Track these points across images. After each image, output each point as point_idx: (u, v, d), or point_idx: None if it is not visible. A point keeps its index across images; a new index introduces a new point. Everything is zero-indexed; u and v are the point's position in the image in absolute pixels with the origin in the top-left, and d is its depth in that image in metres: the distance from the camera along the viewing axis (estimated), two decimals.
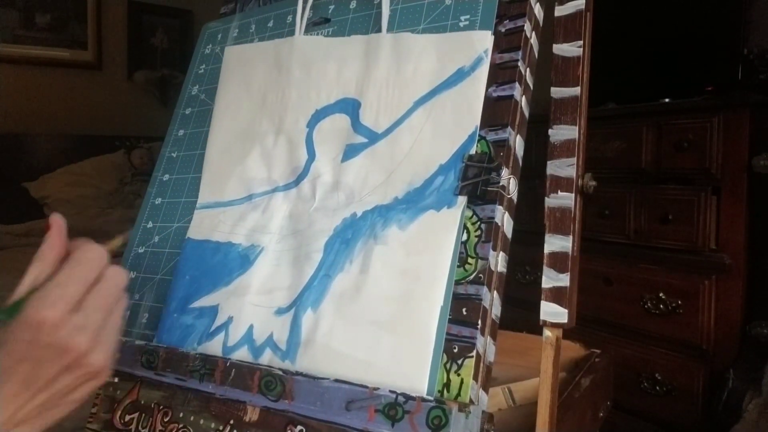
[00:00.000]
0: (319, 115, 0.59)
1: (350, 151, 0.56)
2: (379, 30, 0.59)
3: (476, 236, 0.47)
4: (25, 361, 0.37)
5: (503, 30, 0.53)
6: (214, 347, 0.55)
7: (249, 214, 0.60)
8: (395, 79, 0.56)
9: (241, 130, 0.65)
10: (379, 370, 0.46)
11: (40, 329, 0.37)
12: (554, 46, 0.54)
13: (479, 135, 0.50)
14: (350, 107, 0.57)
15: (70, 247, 0.41)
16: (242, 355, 0.53)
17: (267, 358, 0.51)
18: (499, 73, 0.51)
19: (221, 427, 0.51)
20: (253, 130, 0.64)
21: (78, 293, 0.39)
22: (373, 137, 0.55)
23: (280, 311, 0.53)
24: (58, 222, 0.42)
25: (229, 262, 0.58)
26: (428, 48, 0.55)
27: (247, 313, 0.55)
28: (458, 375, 0.43)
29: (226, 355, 0.53)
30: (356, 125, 0.57)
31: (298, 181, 0.59)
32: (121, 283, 0.41)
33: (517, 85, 0.50)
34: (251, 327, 0.54)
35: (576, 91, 0.52)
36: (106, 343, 0.40)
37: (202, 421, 0.53)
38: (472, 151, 0.50)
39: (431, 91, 0.54)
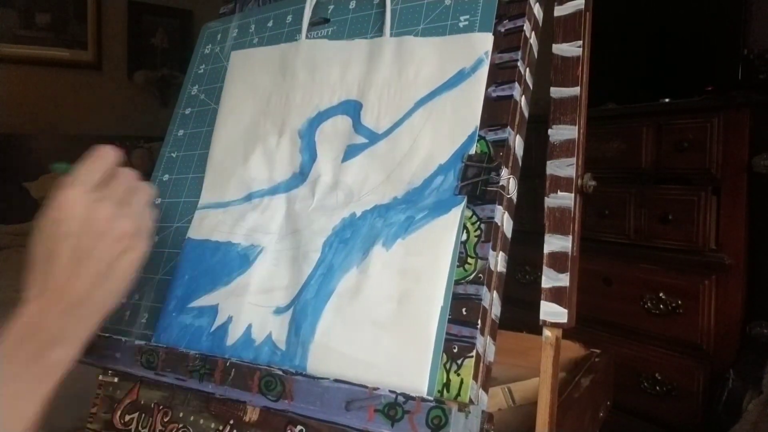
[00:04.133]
0: (321, 117, 0.60)
1: (350, 152, 0.56)
2: (380, 30, 0.59)
3: (476, 236, 0.47)
4: (66, 236, 0.45)
5: (503, 30, 0.53)
6: (213, 347, 0.55)
7: (249, 214, 0.60)
8: (397, 81, 0.56)
9: (244, 132, 0.65)
10: (379, 370, 0.46)
11: (64, 206, 0.45)
12: (554, 46, 0.54)
13: (479, 135, 0.50)
14: (352, 109, 0.58)
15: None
16: (241, 354, 0.53)
17: (266, 357, 0.51)
18: (499, 73, 0.51)
19: (221, 427, 0.51)
20: (257, 132, 0.64)
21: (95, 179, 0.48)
22: (374, 138, 0.55)
23: (278, 311, 0.53)
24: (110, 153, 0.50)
25: (229, 261, 0.58)
26: (430, 51, 0.55)
27: (246, 313, 0.55)
28: (458, 375, 0.43)
29: (225, 355, 0.53)
30: (357, 126, 0.57)
31: (298, 182, 0.59)
32: (132, 179, 0.50)
33: (516, 85, 0.50)
34: (250, 326, 0.54)
35: (576, 91, 0.52)
36: (130, 216, 0.47)
37: (202, 421, 0.53)
38: (472, 151, 0.50)
39: (432, 92, 0.54)
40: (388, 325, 0.47)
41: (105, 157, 0.49)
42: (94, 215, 0.45)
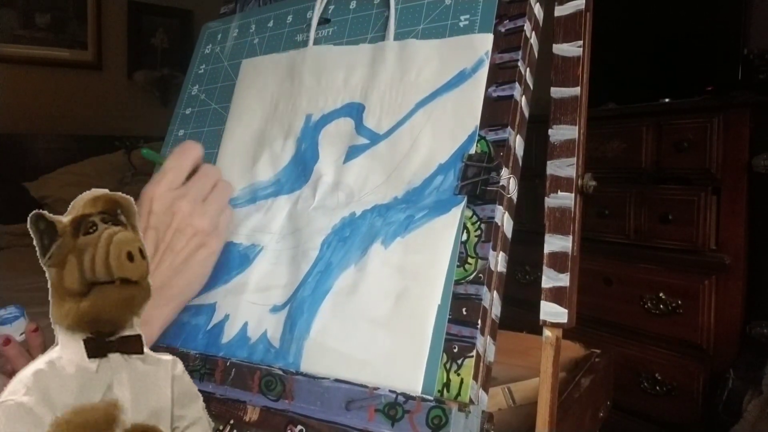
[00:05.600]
0: (326, 119, 0.60)
1: (352, 153, 0.56)
2: (380, 29, 0.59)
3: (476, 236, 0.47)
4: (148, 229, 0.50)
5: (503, 30, 0.53)
6: (209, 345, 0.55)
7: (252, 215, 0.60)
8: (399, 83, 0.56)
9: (253, 137, 0.65)
10: (374, 367, 0.46)
11: (151, 202, 0.51)
12: (554, 46, 0.54)
13: (479, 135, 0.50)
14: (355, 111, 0.58)
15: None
16: (236, 352, 0.53)
17: (260, 355, 0.51)
18: (499, 73, 0.51)
19: (221, 427, 0.51)
20: (264, 138, 0.64)
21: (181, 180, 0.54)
22: (375, 138, 0.55)
23: (275, 309, 0.53)
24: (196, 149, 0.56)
25: (229, 261, 0.58)
26: (431, 53, 0.55)
27: (243, 311, 0.55)
28: (458, 375, 0.43)
29: (219, 353, 0.53)
30: (359, 127, 0.57)
31: (301, 183, 0.59)
32: (216, 177, 0.57)
33: (517, 85, 0.50)
34: (246, 324, 0.54)
35: (576, 91, 0.52)
36: (207, 214, 0.52)
37: None
38: (472, 151, 0.50)
39: (432, 93, 0.54)
40: (384, 322, 0.47)
41: (190, 153, 0.54)
42: (174, 211, 0.50)
